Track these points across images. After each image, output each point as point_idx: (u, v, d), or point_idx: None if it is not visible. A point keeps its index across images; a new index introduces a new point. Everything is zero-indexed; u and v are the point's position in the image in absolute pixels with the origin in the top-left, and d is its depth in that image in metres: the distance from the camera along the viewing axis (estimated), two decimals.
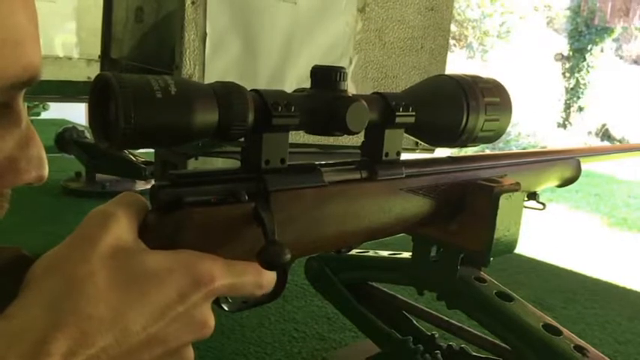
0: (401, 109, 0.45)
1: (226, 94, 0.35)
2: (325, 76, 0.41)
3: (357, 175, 0.45)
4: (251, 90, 0.37)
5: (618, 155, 0.74)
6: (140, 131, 0.31)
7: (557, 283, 1.23)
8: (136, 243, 0.32)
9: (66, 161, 1.82)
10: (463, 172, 0.54)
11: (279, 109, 0.37)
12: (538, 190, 0.63)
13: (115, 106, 0.31)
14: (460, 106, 0.49)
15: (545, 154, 0.64)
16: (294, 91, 0.42)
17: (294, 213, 0.40)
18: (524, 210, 0.54)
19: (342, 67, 0.41)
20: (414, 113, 0.46)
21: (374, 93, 0.46)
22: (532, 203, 0.62)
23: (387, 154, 0.46)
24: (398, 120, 0.45)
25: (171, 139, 0.33)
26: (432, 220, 0.52)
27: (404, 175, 0.48)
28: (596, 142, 8.24)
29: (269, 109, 0.37)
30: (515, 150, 0.61)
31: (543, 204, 0.63)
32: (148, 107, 0.31)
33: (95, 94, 0.33)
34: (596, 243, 4.86)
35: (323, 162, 0.44)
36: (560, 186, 0.67)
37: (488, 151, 0.55)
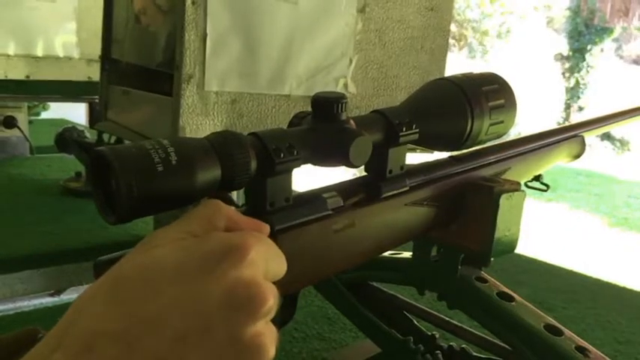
0: (404, 129, 0.44)
1: (226, 147, 0.34)
2: (327, 108, 0.40)
3: (362, 196, 0.44)
4: (249, 134, 0.36)
5: (620, 122, 0.72)
6: (145, 205, 0.31)
7: (557, 283, 1.23)
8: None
9: (66, 161, 1.81)
10: (466, 173, 0.53)
11: (282, 155, 0.36)
12: (543, 172, 0.63)
13: (117, 184, 0.30)
14: (464, 115, 0.48)
15: (549, 135, 0.63)
16: (294, 117, 0.41)
17: (301, 248, 0.39)
18: (525, 210, 0.54)
19: (344, 97, 0.40)
20: (417, 130, 0.45)
21: (374, 112, 0.45)
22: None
23: (390, 171, 0.46)
24: (402, 139, 0.44)
25: (175, 204, 0.33)
26: (435, 225, 0.52)
27: (408, 188, 0.47)
28: (597, 142, 8.24)
29: (271, 156, 0.36)
30: (517, 137, 0.60)
31: (547, 185, 0.63)
32: (150, 183, 0.30)
33: (94, 168, 0.32)
34: (596, 243, 4.86)
35: (326, 186, 0.43)
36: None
37: (490, 143, 0.54)
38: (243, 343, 0.27)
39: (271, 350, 0.28)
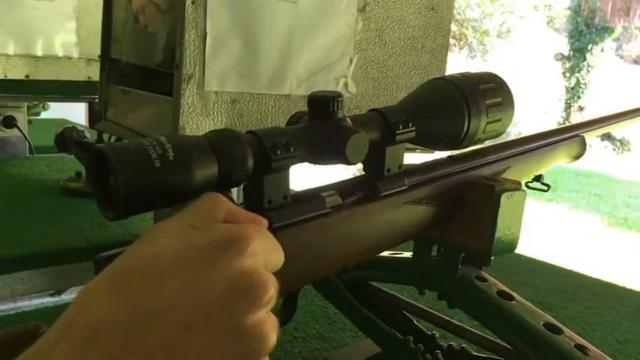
0: (401, 127, 0.44)
1: (223, 144, 0.34)
2: (323, 106, 0.40)
3: (360, 195, 0.44)
4: (247, 132, 0.37)
5: (621, 122, 0.72)
6: (142, 200, 0.31)
7: (557, 282, 1.23)
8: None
9: (66, 161, 1.82)
10: (465, 172, 0.53)
11: (278, 152, 0.36)
12: (543, 172, 0.63)
13: (115, 180, 0.31)
14: (461, 113, 0.48)
15: (549, 135, 0.63)
16: (291, 117, 0.42)
17: (299, 246, 0.40)
18: (525, 210, 0.54)
19: (340, 95, 0.40)
20: (414, 128, 0.45)
21: (372, 110, 0.45)
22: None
23: (388, 170, 0.46)
24: (398, 138, 0.44)
25: (173, 200, 0.33)
26: (435, 224, 0.52)
27: (406, 187, 0.47)
28: (596, 142, 8.24)
29: (268, 152, 0.36)
30: (517, 137, 0.60)
31: (548, 185, 0.63)
32: (148, 179, 0.31)
33: (93, 165, 0.32)
34: (596, 243, 4.86)
35: (324, 185, 0.44)
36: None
37: (489, 142, 0.54)
38: (245, 331, 0.28)
39: (273, 338, 0.29)
